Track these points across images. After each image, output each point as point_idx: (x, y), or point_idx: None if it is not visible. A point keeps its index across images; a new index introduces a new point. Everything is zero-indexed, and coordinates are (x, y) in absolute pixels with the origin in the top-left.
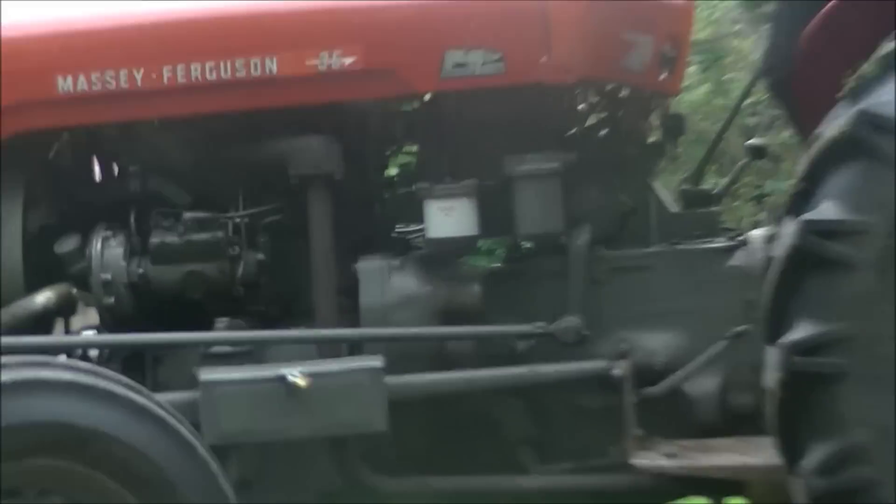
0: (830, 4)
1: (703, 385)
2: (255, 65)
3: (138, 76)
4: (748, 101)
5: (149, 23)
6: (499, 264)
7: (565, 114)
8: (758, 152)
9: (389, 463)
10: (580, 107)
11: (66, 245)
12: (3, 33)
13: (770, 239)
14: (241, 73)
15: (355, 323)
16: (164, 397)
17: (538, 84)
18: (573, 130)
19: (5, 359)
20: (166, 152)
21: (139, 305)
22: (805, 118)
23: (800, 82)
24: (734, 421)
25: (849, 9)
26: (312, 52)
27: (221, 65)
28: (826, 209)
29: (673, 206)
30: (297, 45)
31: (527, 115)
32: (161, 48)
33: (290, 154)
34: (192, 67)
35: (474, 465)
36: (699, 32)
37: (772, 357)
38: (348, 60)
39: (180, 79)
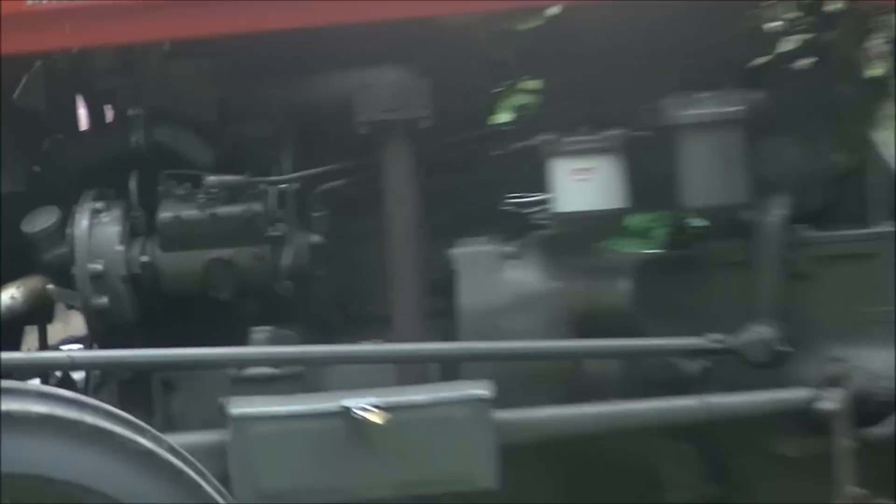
0: None
1: None
2: None
3: None
4: None
5: None
6: (656, 250)
7: (750, 36)
8: None
9: None
10: (771, 26)
11: (39, 222)
12: None
13: None
14: None
15: (450, 334)
16: (179, 439)
17: None
18: (761, 60)
19: None
20: (181, 90)
21: (143, 308)
22: None
23: None
24: None
25: None
26: None
27: None
28: None
29: None
30: None
31: (694, 39)
32: None
33: (356, 93)
34: None
35: None
36: None
37: None
38: None
39: None
